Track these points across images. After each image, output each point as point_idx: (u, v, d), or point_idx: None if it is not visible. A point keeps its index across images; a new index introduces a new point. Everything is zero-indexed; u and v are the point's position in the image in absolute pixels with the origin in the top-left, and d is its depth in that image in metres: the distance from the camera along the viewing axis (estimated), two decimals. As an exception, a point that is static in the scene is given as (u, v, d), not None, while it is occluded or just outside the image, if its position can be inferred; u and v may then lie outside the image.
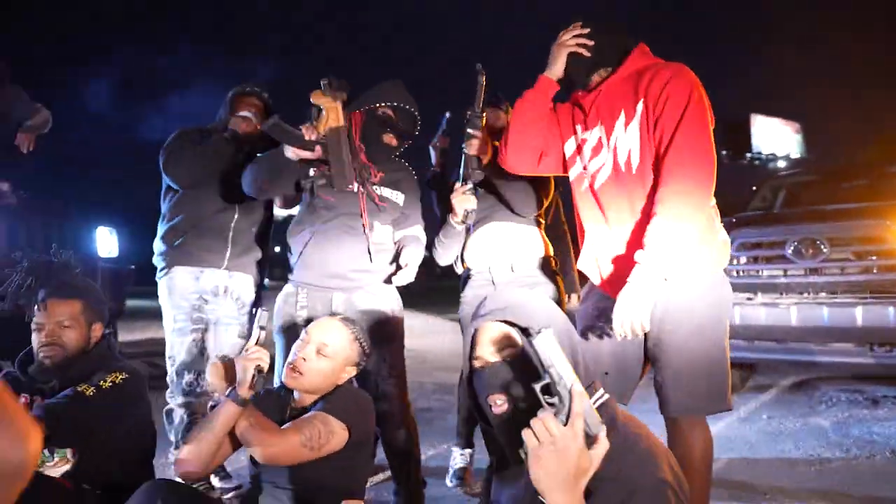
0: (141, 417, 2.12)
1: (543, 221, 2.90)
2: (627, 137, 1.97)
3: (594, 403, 1.35)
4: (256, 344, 1.89)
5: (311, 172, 2.49)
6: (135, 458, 2.10)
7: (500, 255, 2.76)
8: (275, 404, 1.98)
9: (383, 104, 2.55)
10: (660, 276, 1.84)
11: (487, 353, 1.39)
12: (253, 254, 2.98)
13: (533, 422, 1.11)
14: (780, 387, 5.02)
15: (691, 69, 1.97)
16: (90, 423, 1.92)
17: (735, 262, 4.31)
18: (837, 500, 2.71)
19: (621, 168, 1.98)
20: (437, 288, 11.62)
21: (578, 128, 2.10)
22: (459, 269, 2.93)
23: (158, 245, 2.91)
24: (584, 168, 2.09)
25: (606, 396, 1.38)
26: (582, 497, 1.09)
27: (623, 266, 1.96)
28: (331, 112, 2.40)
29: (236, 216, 2.90)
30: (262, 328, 1.94)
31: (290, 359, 1.94)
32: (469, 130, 2.51)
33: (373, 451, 3.24)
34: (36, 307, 2.05)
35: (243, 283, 2.95)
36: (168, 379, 2.86)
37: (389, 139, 2.57)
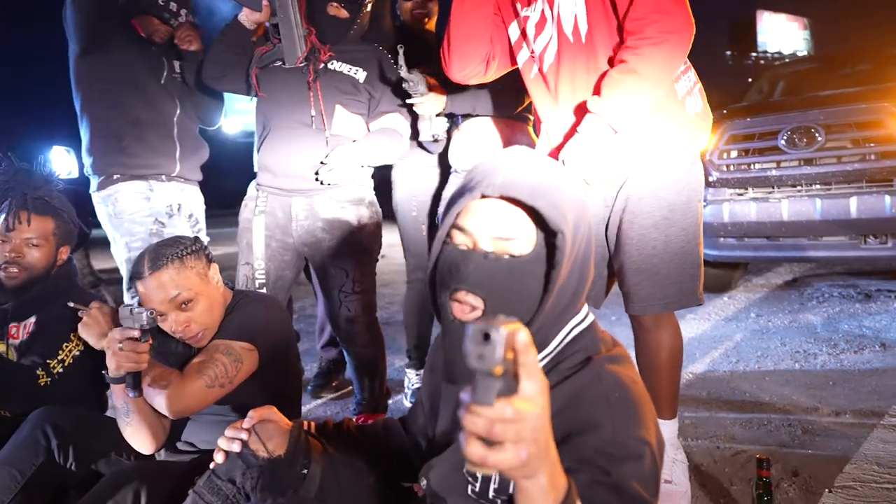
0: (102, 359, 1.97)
1: (532, 118, 2.67)
2: (571, 1, 1.71)
3: (574, 327, 1.07)
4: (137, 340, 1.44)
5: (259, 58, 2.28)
6: (91, 398, 1.95)
7: (488, 153, 2.53)
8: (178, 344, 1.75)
9: None
10: (611, 124, 1.63)
11: (483, 234, 0.98)
12: (200, 154, 2.67)
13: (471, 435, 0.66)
14: (771, 285, 4.89)
15: None
16: (43, 400, 1.74)
17: (725, 156, 4.09)
18: (820, 394, 2.60)
19: (568, 38, 1.74)
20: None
21: (519, 6, 1.84)
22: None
23: (90, 150, 2.50)
24: (532, 52, 1.84)
25: (591, 319, 1.09)
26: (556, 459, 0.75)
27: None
28: None
29: (178, 110, 2.55)
30: (145, 330, 1.44)
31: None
32: (409, 101, 2.27)
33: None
34: (5, 217, 1.87)
35: (194, 197, 2.68)
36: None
37: (335, 10, 2.28)
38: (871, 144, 3.63)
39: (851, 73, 4.87)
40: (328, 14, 2.27)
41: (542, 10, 1.77)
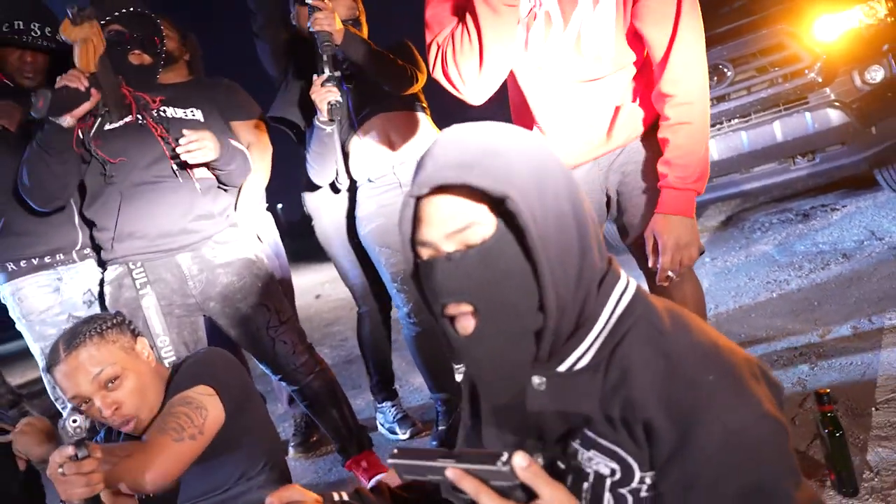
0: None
1: (426, 107, 2.52)
2: (597, 20, 1.55)
3: (620, 297, 0.90)
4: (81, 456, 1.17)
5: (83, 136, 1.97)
6: None
7: (403, 151, 2.34)
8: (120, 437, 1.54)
9: (107, 21, 1.99)
10: (698, 188, 1.59)
11: (438, 237, 0.86)
12: None
13: None
14: (709, 228, 4.94)
15: None
16: None
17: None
18: (812, 317, 2.56)
19: (586, 58, 1.59)
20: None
21: None
22: (344, 184, 2.49)
23: None
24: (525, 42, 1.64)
25: (634, 283, 0.93)
26: None
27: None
28: (93, 39, 1.89)
29: None
30: (80, 442, 1.16)
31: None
32: (309, 1, 2.08)
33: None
34: None
35: None
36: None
37: (138, 57, 2.05)
38: (777, 69, 3.69)
39: (731, 10, 5.00)
40: (132, 63, 2.05)
41: (548, 12, 1.57)
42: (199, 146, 1.94)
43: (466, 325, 0.86)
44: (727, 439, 0.76)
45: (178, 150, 1.95)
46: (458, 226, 0.84)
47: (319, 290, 8.57)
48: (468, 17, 1.53)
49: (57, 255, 2.10)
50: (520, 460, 0.72)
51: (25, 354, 2.21)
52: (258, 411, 1.65)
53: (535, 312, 0.85)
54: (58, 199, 2.00)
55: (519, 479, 0.73)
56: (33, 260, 2.07)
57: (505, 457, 0.72)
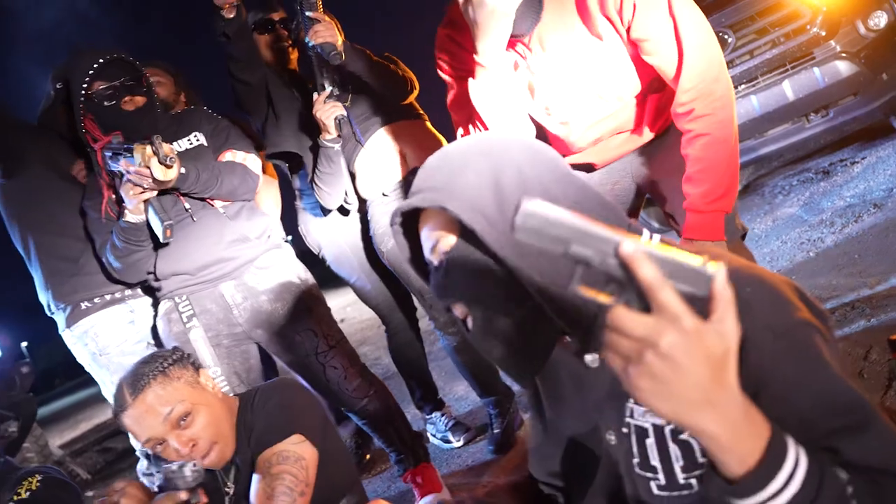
0: None
1: (424, 115, 2.50)
2: (601, 58, 1.53)
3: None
4: None
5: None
6: None
7: (414, 160, 2.32)
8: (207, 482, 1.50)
9: (87, 82, 1.95)
10: (724, 211, 1.49)
11: (427, 253, 0.99)
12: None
13: (608, 335, 0.63)
14: (730, 199, 4.87)
15: None
16: None
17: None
18: (856, 270, 2.50)
19: (603, 99, 1.59)
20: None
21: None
22: (354, 205, 2.46)
23: (45, 283, 2.19)
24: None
25: (657, 240, 0.90)
26: (738, 393, 0.64)
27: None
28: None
29: None
30: (193, 489, 1.30)
31: (180, 465, 1.38)
32: (308, 14, 2.05)
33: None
34: None
35: None
36: (139, 453, 2.28)
37: (130, 102, 1.99)
38: (778, 28, 3.65)
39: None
40: (125, 111, 1.99)
41: (549, 63, 1.56)
42: (140, 191, 1.89)
43: (469, 321, 0.95)
44: (778, 344, 0.75)
45: (125, 192, 1.92)
46: (432, 242, 0.96)
47: (343, 314, 8.55)
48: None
49: (126, 290, 2.19)
50: (722, 273, 0.60)
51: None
52: (336, 438, 1.65)
53: (521, 297, 0.90)
54: (147, 271, 2.03)
55: (709, 292, 0.61)
56: (106, 296, 2.15)
57: (705, 259, 0.60)
